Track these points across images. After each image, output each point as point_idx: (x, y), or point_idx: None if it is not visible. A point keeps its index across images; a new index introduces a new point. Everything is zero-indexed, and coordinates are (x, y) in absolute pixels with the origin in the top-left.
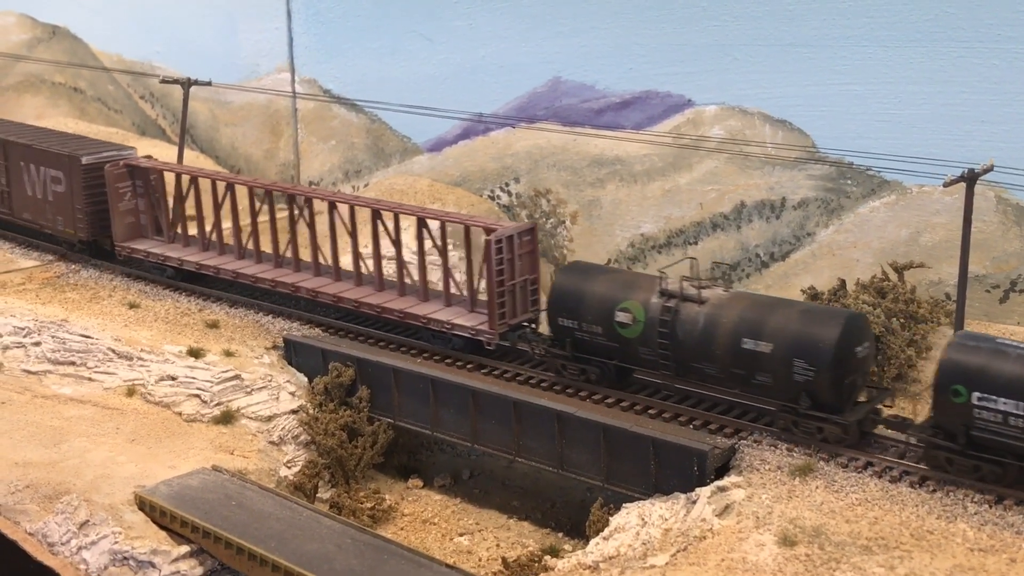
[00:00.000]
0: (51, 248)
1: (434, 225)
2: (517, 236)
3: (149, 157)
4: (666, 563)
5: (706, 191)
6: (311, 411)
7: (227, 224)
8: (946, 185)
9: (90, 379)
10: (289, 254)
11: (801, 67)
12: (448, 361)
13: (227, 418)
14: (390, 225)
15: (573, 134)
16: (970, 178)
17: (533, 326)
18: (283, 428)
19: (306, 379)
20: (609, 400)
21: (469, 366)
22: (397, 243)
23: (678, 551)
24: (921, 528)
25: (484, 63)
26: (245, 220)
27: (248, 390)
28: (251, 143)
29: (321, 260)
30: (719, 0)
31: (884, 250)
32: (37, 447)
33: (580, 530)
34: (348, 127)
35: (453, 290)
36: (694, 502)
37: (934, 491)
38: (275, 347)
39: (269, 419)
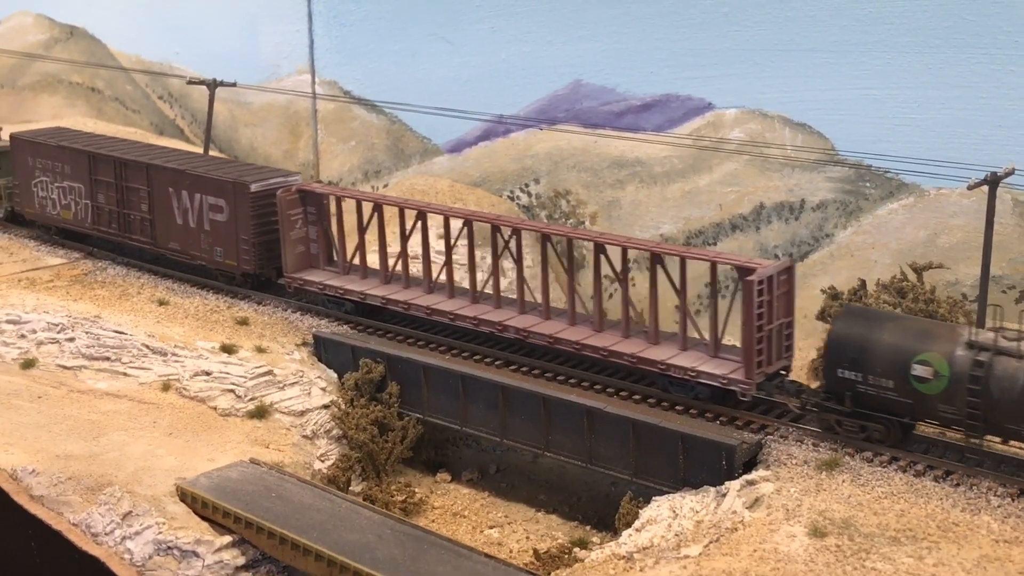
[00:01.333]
0: (76, 246)
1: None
2: (776, 275)
3: (319, 182)
4: (699, 553)
5: (725, 193)
6: (342, 406)
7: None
8: (970, 187)
9: (125, 374)
10: (488, 289)
11: (821, 72)
12: (476, 358)
13: (261, 413)
14: (614, 259)
15: (594, 135)
16: (993, 181)
17: (787, 375)
18: (315, 423)
19: (336, 375)
20: (636, 396)
21: (497, 363)
22: (624, 280)
23: (711, 542)
24: (947, 520)
25: (505, 66)
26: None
27: (280, 385)
28: (270, 143)
29: (527, 296)
30: (740, 5)
31: (902, 251)
32: (76, 440)
33: (607, 523)
34: (368, 128)
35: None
36: (724, 495)
37: (958, 485)
38: (304, 344)
39: (302, 414)
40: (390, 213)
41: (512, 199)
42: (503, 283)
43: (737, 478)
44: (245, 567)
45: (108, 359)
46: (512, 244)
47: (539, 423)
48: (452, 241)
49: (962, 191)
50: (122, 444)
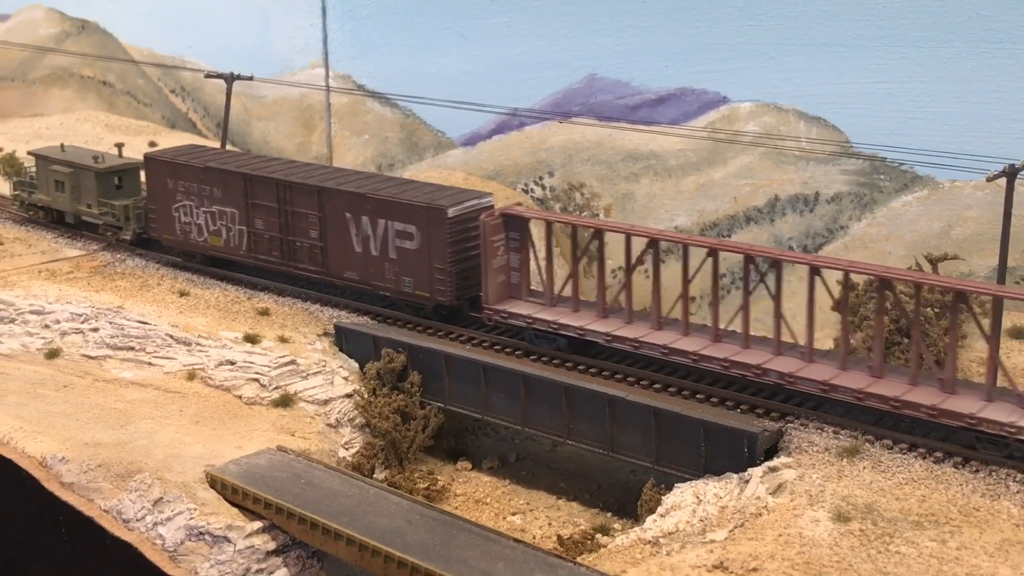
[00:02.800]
0: (94, 236)
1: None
2: None
3: (519, 204)
4: (725, 538)
5: (740, 185)
6: (365, 395)
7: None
8: (989, 180)
9: (150, 364)
10: (736, 327)
11: (835, 66)
12: (497, 348)
13: (286, 401)
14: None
15: (609, 128)
16: (1011, 173)
17: None
18: (339, 411)
19: (357, 365)
20: (657, 385)
21: (518, 352)
22: (914, 322)
23: (735, 527)
24: (968, 505)
25: (520, 60)
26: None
27: (304, 375)
28: (283, 137)
29: (787, 336)
30: (755, 0)
31: (916, 243)
32: (104, 428)
33: (627, 510)
34: (382, 121)
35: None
36: (747, 482)
37: (977, 471)
38: (326, 334)
39: (325, 403)
40: (609, 239)
41: (526, 192)
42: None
43: (759, 465)
44: (276, 552)
45: (132, 349)
46: (770, 278)
47: (560, 411)
48: (690, 275)
49: (976, 183)
50: (150, 432)
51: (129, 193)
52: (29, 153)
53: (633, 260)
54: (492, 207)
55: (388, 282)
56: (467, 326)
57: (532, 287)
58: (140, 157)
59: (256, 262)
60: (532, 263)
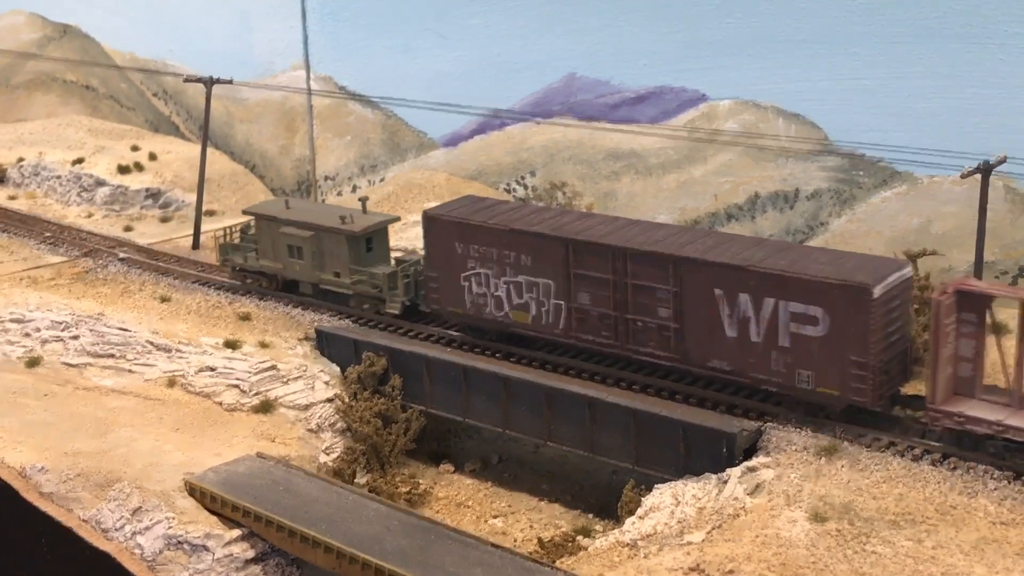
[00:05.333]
0: (76, 243)
1: None
2: None
3: (924, 278)
4: (703, 540)
5: (720, 183)
6: (346, 400)
7: None
8: (963, 176)
9: (130, 371)
10: None
11: (813, 62)
12: (478, 350)
13: (266, 407)
14: None
15: (589, 128)
16: (985, 169)
17: None
18: (320, 416)
19: (339, 369)
20: (635, 387)
21: (498, 355)
22: None
23: (713, 528)
24: (945, 504)
25: (499, 60)
26: None
27: (284, 380)
28: (266, 139)
29: None
30: None
31: (896, 239)
32: (84, 437)
33: (609, 511)
34: (364, 123)
35: None
36: (725, 482)
37: (955, 468)
38: (307, 338)
39: (306, 408)
40: None
41: (509, 192)
42: None
43: (738, 465)
44: (255, 560)
45: (113, 356)
46: None
47: (541, 414)
48: None
49: (955, 179)
50: (129, 440)
51: (380, 257)
52: (246, 212)
53: None
54: (910, 279)
55: (775, 375)
56: (884, 429)
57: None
58: (389, 213)
59: (578, 343)
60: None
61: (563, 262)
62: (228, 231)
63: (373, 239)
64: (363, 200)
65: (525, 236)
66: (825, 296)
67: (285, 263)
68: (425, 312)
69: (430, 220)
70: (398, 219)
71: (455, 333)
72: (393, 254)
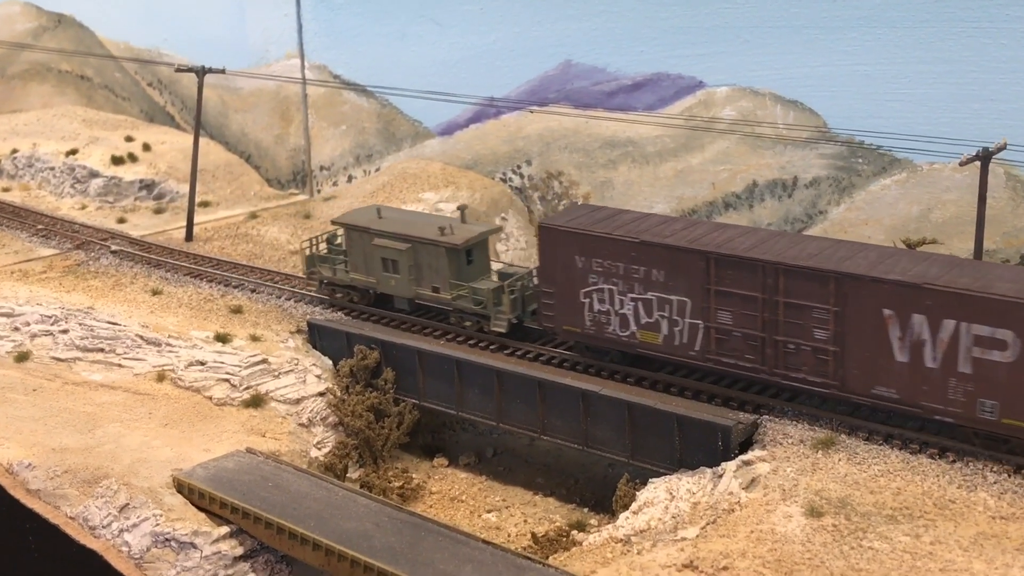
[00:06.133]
0: (68, 235)
1: None
2: None
3: None
4: (697, 535)
5: (718, 171)
6: (338, 393)
7: None
8: (962, 164)
9: (120, 365)
10: None
11: (811, 48)
12: (472, 343)
13: (257, 401)
14: None
15: (585, 117)
16: (985, 156)
17: None
18: (311, 410)
19: (331, 362)
20: (630, 379)
21: (492, 347)
22: None
23: (708, 523)
24: (943, 498)
25: (495, 47)
26: None
27: (276, 374)
28: (261, 129)
29: None
30: None
31: (895, 227)
32: (72, 433)
33: (604, 505)
34: (359, 112)
35: None
36: (720, 476)
37: (954, 462)
38: (299, 331)
39: (297, 402)
40: None
41: (505, 181)
42: None
43: (733, 459)
44: (243, 557)
45: (102, 350)
46: None
47: (535, 407)
48: None
49: (955, 166)
50: (118, 436)
51: (481, 270)
52: (334, 223)
53: None
54: None
55: (952, 405)
56: None
57: None
58: (489, 223)
59: (716, 366)
60: None
61: (702, 278)
62: (314, 242)
63: (474, 251)
64: (462, 208)
65: (658, 249)
66: (1017, 318)
67: (379, 277)
68: (533, 329)
69: (547, 231)
70: (500, 230)
71: (568, 353)
72: (494, 266)
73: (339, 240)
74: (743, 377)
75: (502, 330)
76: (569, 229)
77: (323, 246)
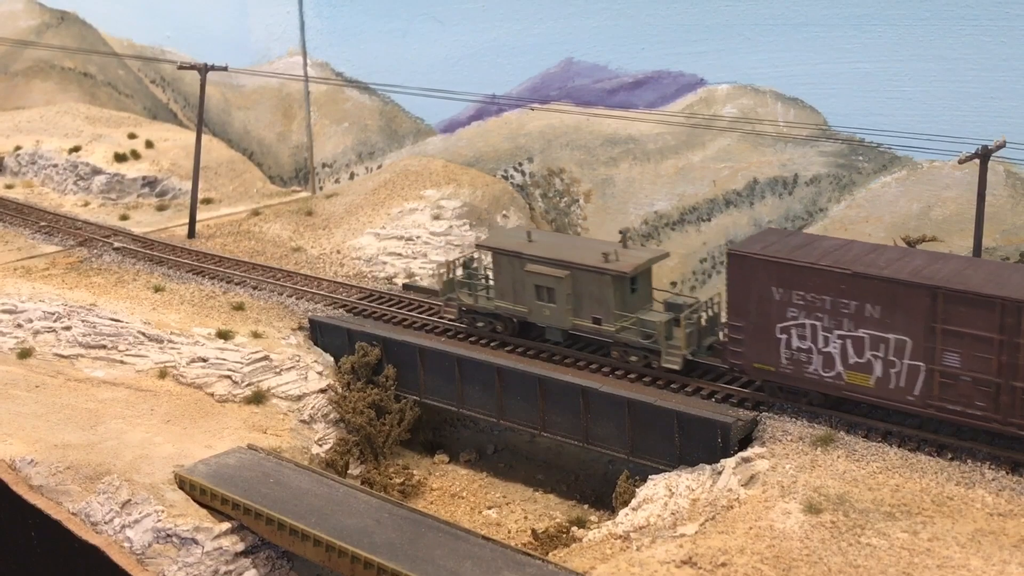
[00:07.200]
0: (72, 232)
1: None
2: None
3: None
4: (696, 532)
5: (719, 168)
6: (339, 390)
7: None
8: (961, 162)
9: (122, 362)
10: None
11: (812, 46)
12: (472, 340)
13: (258, 398)
14: None
15: (586, 115)
16: (984, 155)
17: None
18: (313, 407)
19: (332, 359)
20: (631, 376)
21: (493, 344)
22: None
23: (707, 520)
24: (941, 494)
25: (496, 44)
26: None
27: (277, 370)
28: (263, 126)
29: None
30: None
31: (896, 224)
32: (74, 429)
33: (604, 501)
34: (361, 109)
35: None
36: (719, 473)
37: (952, 459)
38: (300, 328)
39: (299, 398)
40: None
41: (506, 178)
42: None
43: (733, 455)
44: (244, 553)
45: (105, 347)
46: None
47: (535, 403)
48: None
49: (955, 164)
50: (120, 432)
51: (644, 299)
52: (481, 246)
53: None
54: None
55: None
56: None
57: None
58: (654, 248)
59: (939, 413)
60: None
61: (926, 315)
62: (451, 265)
63: (639, 279)
64: (624, 232)
65: (874, 282)
66: None
67: (531, 306)
68: (706, 365)
69: (738, 259)
70: (667, 255)
71: (746, 392)
72: (656, 294)
73: (476, 264)
74: (971, 426)
75: (676, 367)
76: (767, 258)
77: (459, 270)
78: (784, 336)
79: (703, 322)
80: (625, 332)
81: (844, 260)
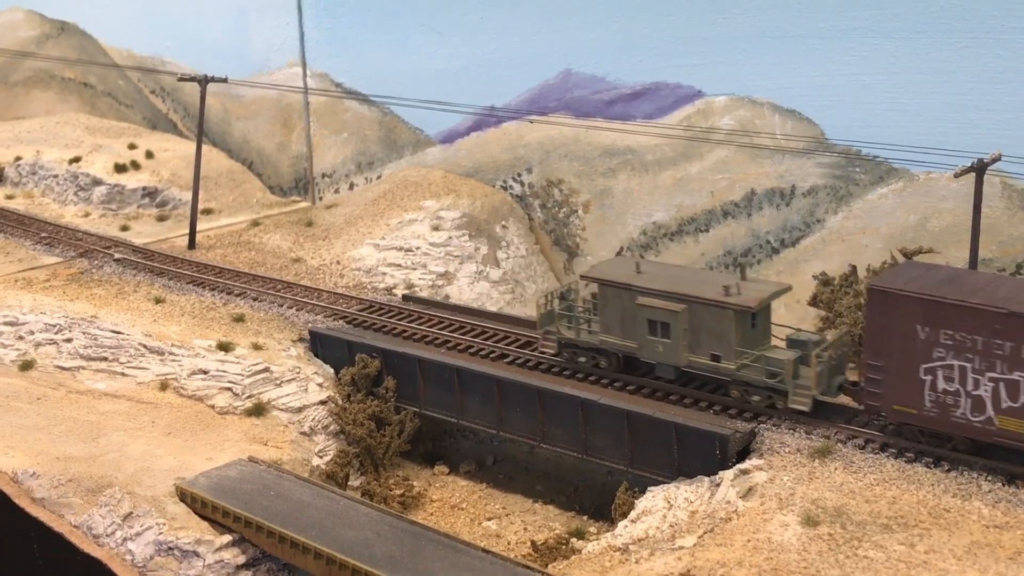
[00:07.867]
0: (72, 243)
1: None
2: None
3: None
4: (694, 544)
5: (717, 180)
6: (340, 401)
7: None
8: (957, 175)
9: (123, 374)
10: None
11: (809, 58)
12: (472, 351)
13: (259, 410)
14: None
15: (585, 127)
16: (979, 168)
17: None
18: (313, 419)
19: (332, 370)
20: (630, 387)
21: (492, 355)
22: None
23: (705, 532)
24: (938, 507)
25: (495, 56)
26: None
27: (278, 382)
28: (263, 136)
29: None
30: None
31: (892, 236)
32: (76, 442)
33: (603, 513)
34: (360, 120)
35: None
36: (718, 485)
37: (949, 471)
38: (301, 339)
39: (299, 410)
40: None
41: (505, 189)
42: None
43: (731, 467)
44: (246, 566)
45: (106, 359)
46: None
47: (534, 415)
48: None
49: (951, 175)
50: (121, 445)
51: (764, 334)
52: (585, 277)
53: None
54: None
55: None
56: None
57: None
58: (776, 281)
59: None
60: None
61: None
62: (549, 297)
63: (759, 314)
64: (741, 266)
65: None
66: None
67: (641, 341)
68: (834, 406)
69: (880, 295)
70: (790, 288)
71: (885, 437)
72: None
73: (573, 296)
74: None
75: (805, 409)
76: (911, 294)
77: (557, 301)
78: (929, 377)
79: (833, 360)
80: (746, 370)
81: (997, 298)
